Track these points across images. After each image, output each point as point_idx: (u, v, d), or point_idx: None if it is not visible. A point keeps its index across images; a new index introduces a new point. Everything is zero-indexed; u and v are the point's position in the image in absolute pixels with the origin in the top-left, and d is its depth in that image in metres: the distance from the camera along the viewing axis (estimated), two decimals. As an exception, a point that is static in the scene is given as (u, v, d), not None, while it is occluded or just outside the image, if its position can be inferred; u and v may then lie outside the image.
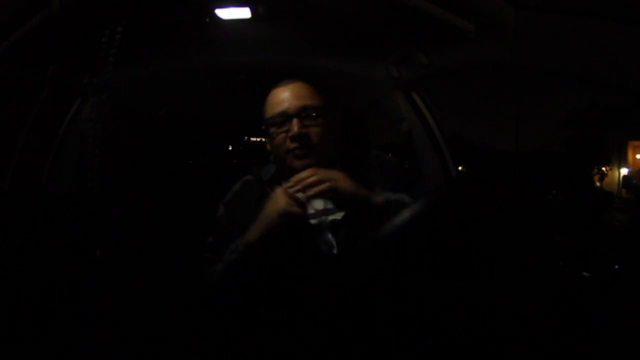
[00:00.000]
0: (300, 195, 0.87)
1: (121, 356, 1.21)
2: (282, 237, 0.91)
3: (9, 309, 1.21)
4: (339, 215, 0.96)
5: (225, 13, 1.31)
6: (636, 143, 22.62)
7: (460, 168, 1.88)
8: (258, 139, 2.73)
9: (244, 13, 1.30)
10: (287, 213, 0.85)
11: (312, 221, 0.95)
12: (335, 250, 0.91)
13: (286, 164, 0.98)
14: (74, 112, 1.78)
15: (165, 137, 2.31)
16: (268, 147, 1.06)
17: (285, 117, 0.96)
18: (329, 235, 0.93)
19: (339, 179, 0.89)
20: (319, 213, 0.97)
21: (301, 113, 0.96)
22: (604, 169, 23.13)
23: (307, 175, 0.89)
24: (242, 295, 0.95)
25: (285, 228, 0.88)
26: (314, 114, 0.96)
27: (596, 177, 22.46)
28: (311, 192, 0.88)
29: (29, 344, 1.17)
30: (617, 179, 22.65)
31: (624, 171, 22.64)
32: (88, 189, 1.21)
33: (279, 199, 0.87)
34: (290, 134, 0.95)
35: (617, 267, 1.08)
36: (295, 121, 0.95)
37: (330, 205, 0.98)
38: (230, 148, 2.70)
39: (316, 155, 0.96)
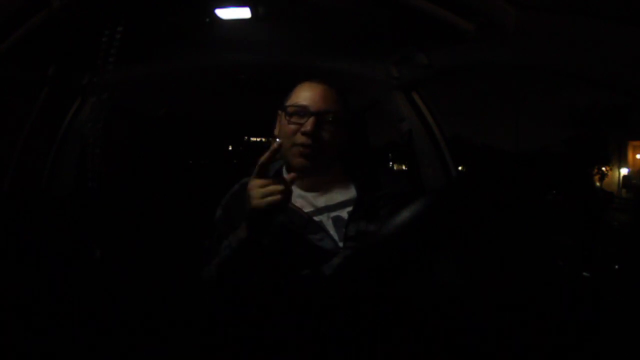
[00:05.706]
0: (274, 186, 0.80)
1: (121, 356, 1.21)
2: (277, 231, 0.91)
3: (9, 309, 1.21)
4: (341, 212, 0.97)
5: (225, 13, 1.32)
6: (636, 143, 22.62)
7: (460, 168, 1.87)
8: (258, 139, 2.74)
9: (244, 13, 1.30)
10: (257, 209, 0.80)
11: (315, 218, 0.95)
12: (341, 245, 0.92)
13: (287, 157, 0.98)
14: (74, 112, 1.78)
15: (165, 137, 2.31)
16: (276, 132, 1.05)
17: (305, 111, 0.96)
18: (333, 231, 0.94)
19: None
20: (321, 210, 0.98)
21: (321, 114, 0.95)
22: (604, 169, 23.12)
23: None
24: (239, 291, 0.95)
25: (275, 222, 0.85)
26: (331, 120, 0.96)
27: (596, 177, 22.45)
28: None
29: (29, 344, 1.17)
30: (617, 179, 22.65)
31: (624, 171, 22.64)
32: (88, 189, 1.21)
33: (249, 194, 0.82)
34: (303, 129, 0.94)
35: (617, 267, 1.08)
36: (312, 119, 0.94)
37: (332, 202, 0.99)
38: (230, 148, 2.71)
39: (317, 159, 0.96)
